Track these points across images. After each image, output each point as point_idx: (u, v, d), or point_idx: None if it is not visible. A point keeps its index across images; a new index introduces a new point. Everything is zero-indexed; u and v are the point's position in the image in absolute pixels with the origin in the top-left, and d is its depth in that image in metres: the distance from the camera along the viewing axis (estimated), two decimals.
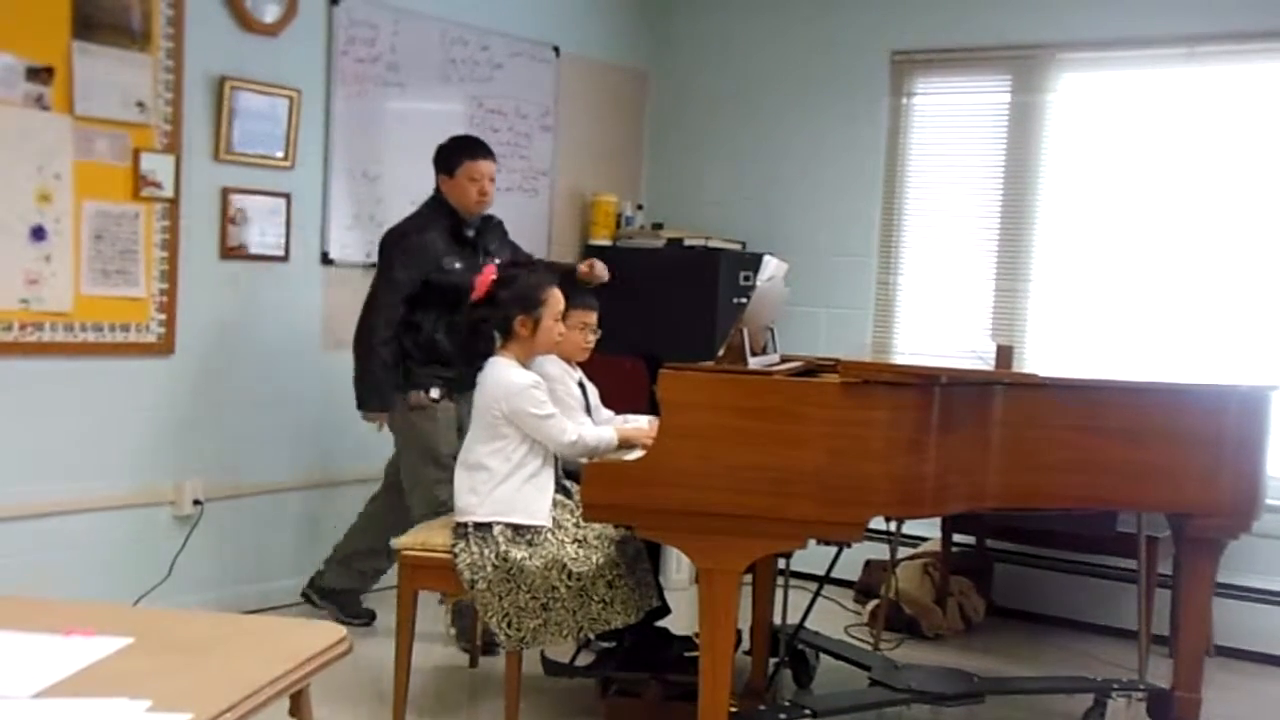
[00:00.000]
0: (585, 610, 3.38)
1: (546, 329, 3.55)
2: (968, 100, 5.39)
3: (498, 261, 3.98)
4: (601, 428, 3.63)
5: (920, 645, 4.65)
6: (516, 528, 3.40)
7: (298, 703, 2.02)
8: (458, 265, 4.14)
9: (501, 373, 3.48)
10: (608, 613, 3.40)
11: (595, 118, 5.82)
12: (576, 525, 3.47)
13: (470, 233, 4.25)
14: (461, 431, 4.05)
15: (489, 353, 3.57)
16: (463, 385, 4.07)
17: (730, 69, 5.89)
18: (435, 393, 4.16)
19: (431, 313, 4.15)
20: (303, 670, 1.90)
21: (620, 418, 3.87)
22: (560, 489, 3.58)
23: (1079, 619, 4.95)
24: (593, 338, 3.89)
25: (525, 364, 3.54)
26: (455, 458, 3.82)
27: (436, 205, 4.25)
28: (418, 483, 4.16)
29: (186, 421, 4.36)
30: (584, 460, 3.41)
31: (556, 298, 3.58)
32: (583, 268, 4.48)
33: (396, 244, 4.17)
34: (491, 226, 4.37)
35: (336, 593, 4.50)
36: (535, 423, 3.42)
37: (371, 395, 4.18)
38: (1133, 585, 4.45)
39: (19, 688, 1.70)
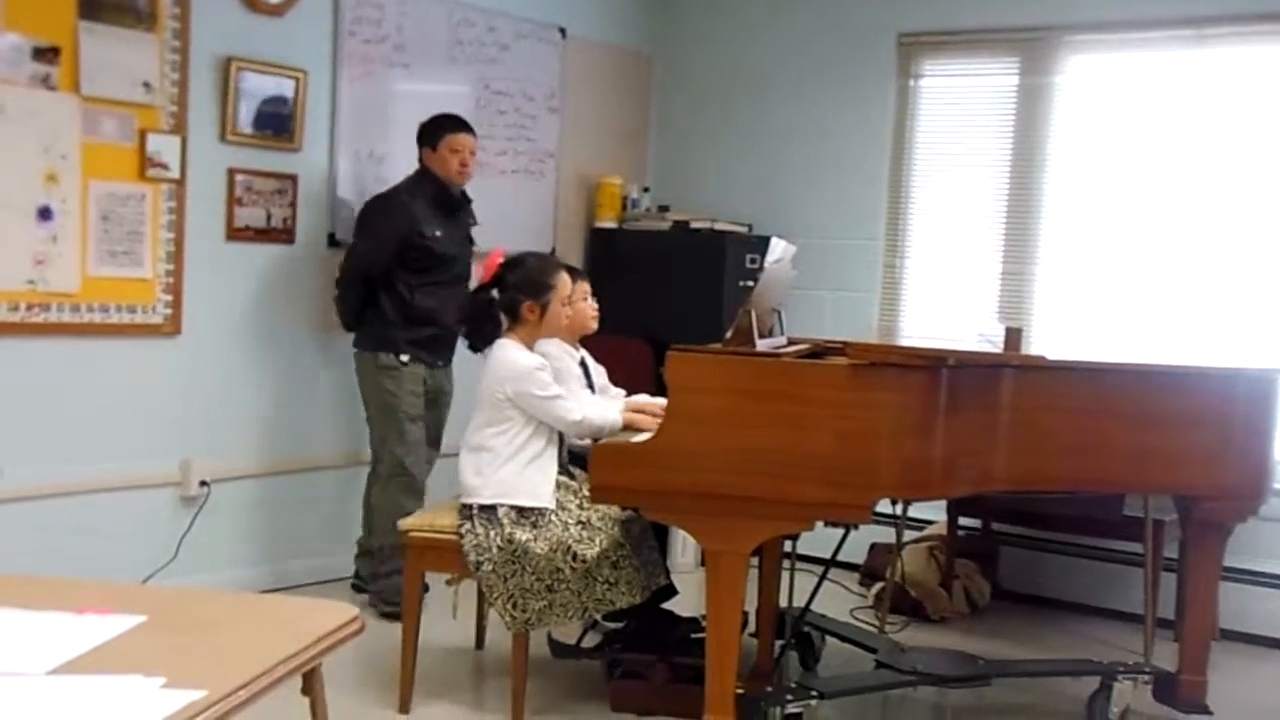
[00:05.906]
0: (590, 591, 3.39)
1: (554, 314, 3.56)
2: (975, 82, 5.37)
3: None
4: (607, 408, 3.61)
5: (926, 628, 4.66)
6: (521, 510, 3.40)
7: (310, 681, 2.02)
8: (438, 233, 4.36)
9: (507, 355, 3.48)
10: (613, 593, 3.41)
11: (601, 100, 5.80)
12: (580, 506, 3.48)
13: (454, 204, 4.44)
14: (429, 394, 4.40)
15: (494, 335, 3.56)
16: (438, 349, 4.40)
17: (737, 51, 5.87)
18: (405, 357, 4.34)
19: (410, 276, 4.34)
20: (315, 649, 1.91)
21: (634, 398, 3.86)
22: (563, 470, 3.58)
23: (1085, 602, 4.95)
24: (595, 304, 3.87)
25: (531, 346, 3.54)
26: (416, 419, 4.35)
27: (420, 177, 4.43)
28: (383, 442, 4.39)
29: (192, 403, 4.37)
30: (588, 441, 3.41)
31: (565, 282, 3.58)
32: None
33: (379, 206, 4.41)
34: (469, 206, 4.56)
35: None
36: (541, 404, 3.42)
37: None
38: (1139, 569, 4.45)
39: (34, 665, 1.71)
